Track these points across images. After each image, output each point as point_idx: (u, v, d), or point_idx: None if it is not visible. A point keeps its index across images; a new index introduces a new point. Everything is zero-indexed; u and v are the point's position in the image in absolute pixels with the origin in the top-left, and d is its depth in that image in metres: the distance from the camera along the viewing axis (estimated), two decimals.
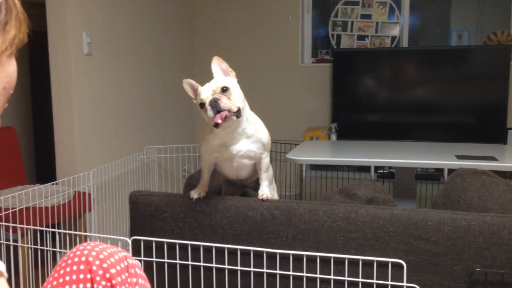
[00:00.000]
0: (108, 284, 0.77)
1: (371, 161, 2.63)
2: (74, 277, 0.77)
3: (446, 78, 3.96)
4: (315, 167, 4.17)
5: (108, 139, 3.18)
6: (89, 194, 2.69)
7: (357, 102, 4.18)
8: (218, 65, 1.48)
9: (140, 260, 1.56)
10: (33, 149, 4.09)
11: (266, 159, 1.55)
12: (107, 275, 0.78)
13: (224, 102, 1.38)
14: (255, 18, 4.52)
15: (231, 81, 1.45)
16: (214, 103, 1.38)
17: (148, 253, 1.57)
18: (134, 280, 0.82)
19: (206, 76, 1.50)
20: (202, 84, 1.47)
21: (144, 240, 1.56)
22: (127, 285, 0.79)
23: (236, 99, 1.41)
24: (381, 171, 4.00)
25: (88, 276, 0.77)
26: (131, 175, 3.33)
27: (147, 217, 1.58)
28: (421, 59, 4.04)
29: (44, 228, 1.82)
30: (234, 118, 1.40)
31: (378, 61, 4.12)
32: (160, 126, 3.94)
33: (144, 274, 0.86)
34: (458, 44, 4.31)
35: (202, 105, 1.41)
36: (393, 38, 4.27)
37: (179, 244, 1.53)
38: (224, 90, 1.40)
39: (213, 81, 1.44)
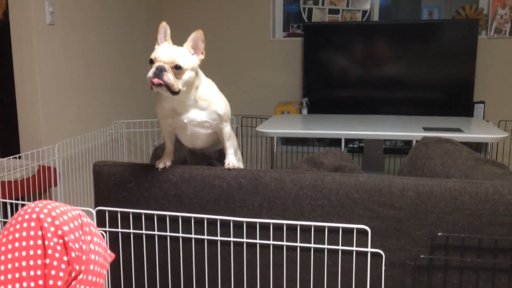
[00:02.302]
0: (60, 241, 0.75)
1: (341, 133, 2.64)
2: (24, 234, 0.75)
3: (415, 53, 4.00)
4: (286, 141, 4.18)
5: (73, 112, 3.10)
6: (55, 168, 2.63)
7: (328, 76, 4.19)
8: (195, 39, 1.40)
9: (105, 231, 1.54)
10: None
11: (226, 128, 1.52)
12: (59, 232, 0.75)
13: (169, 77, 1.33)
14: None
15: (192, 62, 1.38)
16: (159, 72, 1.33)
17: (113, 224, 1.54)
18: (89, 238, 0.80)
19: None
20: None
21: (109, 211, 1.54)
22: (80, 243, 0.77)
23: (182, 82, 1.36)
24: (351, 145, 4.04)
25: (39, 233, 0.75)
26: (99, 150, 3.27)
27: (111, 188, 1.55)
28: (391, 33, 4.05)
29: (7, 200, 1.77)
30: (168, 93, 1.36)
31: (349, 35, 4.11)
32: (129, 100, 3.86)
33: (99, 233, 0.84)
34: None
35: (151, 60, 1.36)
36: (364, 12, 4.27)
37: (145, 214, 1.51)
38: (178, 68, 1.34)
39: (177, 50, 1.37)
